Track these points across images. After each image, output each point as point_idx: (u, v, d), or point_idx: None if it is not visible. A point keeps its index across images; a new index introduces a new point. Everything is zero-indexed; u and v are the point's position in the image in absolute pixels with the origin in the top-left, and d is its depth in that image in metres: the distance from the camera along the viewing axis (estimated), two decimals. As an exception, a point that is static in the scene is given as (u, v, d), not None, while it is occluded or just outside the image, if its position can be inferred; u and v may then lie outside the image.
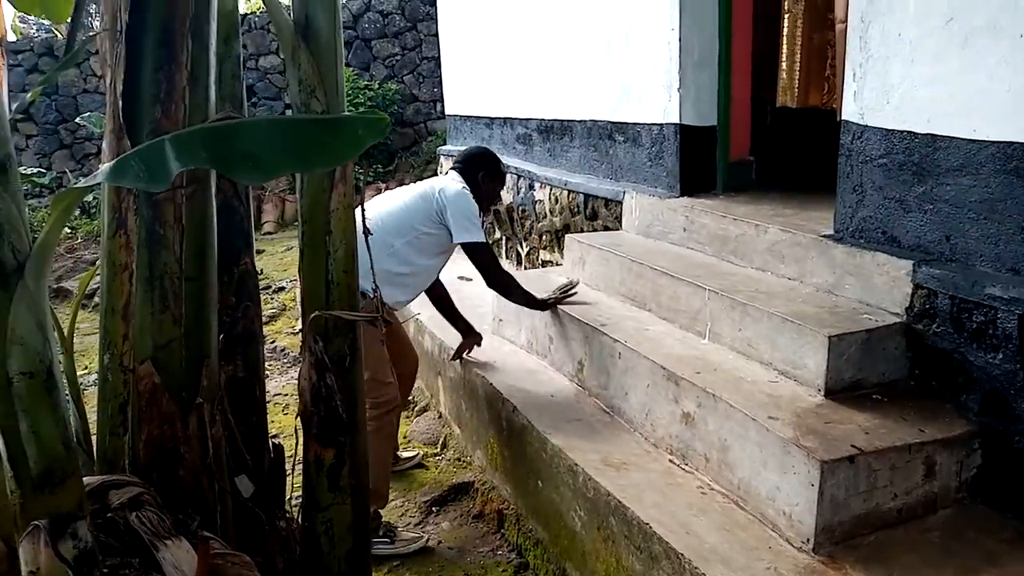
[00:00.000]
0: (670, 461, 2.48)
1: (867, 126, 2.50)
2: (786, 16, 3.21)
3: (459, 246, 3.09)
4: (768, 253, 2.92)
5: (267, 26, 10.25)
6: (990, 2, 2.08)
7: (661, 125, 3.64)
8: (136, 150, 1.05)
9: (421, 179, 9.80)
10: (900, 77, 2.36)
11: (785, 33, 3.23)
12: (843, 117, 2.59)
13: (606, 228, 4.13)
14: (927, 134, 2.30)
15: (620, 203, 3.96)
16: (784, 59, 3.27)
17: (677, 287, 2.94)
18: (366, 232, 1.78)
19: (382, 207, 3.10)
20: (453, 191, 3.07)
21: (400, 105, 10.16)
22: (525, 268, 5.24)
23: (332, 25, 1.56)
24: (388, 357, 2.90)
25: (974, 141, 2.16)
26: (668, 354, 2.65)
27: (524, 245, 5.29)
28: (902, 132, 2.38)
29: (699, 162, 3.59)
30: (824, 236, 2.70)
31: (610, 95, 4.05)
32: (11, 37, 9.39)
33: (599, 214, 4.21)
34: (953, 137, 2.22)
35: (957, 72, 2.18)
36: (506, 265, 5.63)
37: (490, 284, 3.18)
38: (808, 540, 1.95)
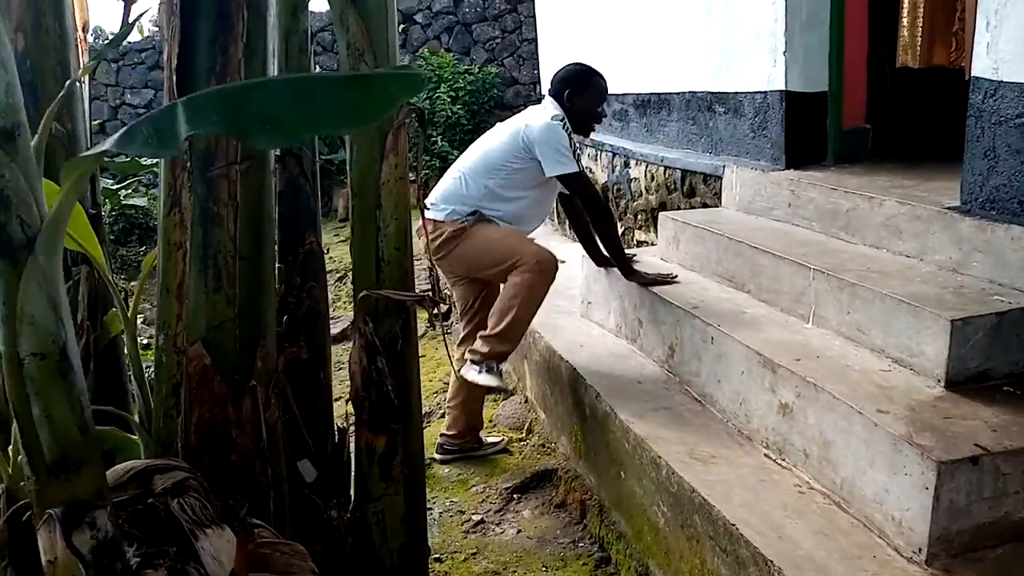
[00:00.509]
0: (765, 456, 2.27)
1: (1002, 82, 2.19)
2: (907, -36, 2.88)
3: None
4: (883, 228, 2.64)
5: None
6: None
7: (765, 93, 3.37)
8: (149, 115, 0.98)
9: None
10: (1042, 22, 2.04)
11: (906, -17, 2.90)
12: (973, 73, 2.28)
13: (704, 205, 3.89)
14: (1075, 86, 1.98)
15: (720, 178, 3.71)
16: (905, 13, 2.93)
17: (779, 266, 2.70)
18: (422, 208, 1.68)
19: (477, 149, 3.11)
20: (538, 126, 2.94)
21: (500, 88, 10.07)
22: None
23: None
24: (513, 235, 2.99)
25: None
26: (766, 340, 2.43)
27: (619, 225, 5.09)
28: (1044, 85, 2.06)
29: (807, 131, 3.30)
30: (949, 208, 2.40)
31: (710, 63, 3.79)
32: (135, 36, 9.93)
33: (697, 191, 3.97)
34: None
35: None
36: (602, 246, 5.43)
37: (592, 212, 3.07)
38: (920, 550, 1.72)
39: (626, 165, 4.87)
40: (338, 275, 6.88)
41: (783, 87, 3.24)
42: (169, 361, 1.54)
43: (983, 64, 2.24)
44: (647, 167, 4.52)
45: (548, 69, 6.72)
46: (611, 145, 5.02)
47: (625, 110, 4.94)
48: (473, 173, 3.01)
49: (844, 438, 1.97)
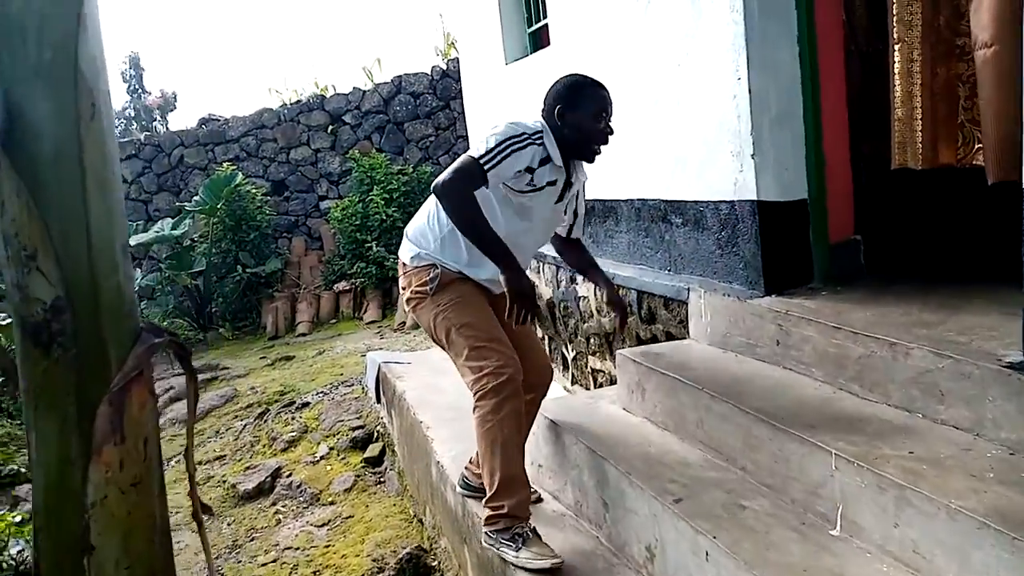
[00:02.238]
0: None
1: (1073, 197, 1.59)
2: (896, 47, 2.33)
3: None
4: (914, 386, 1.99)
5: (297, 118, 9.87)
6: None
7: (732, 203, 2.77)
8: None
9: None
10: None
11: (897, 70, 2.34)
12: (1027, 185, 1.69)
13: (668, 335, 3.24)
14: None
15: (684, 303, 3.07)
16: (899, 104, 2.37)
17: (783, 442, 2.02)
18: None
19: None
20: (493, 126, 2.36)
21: (436, 187, 9.53)
22: (573, 375, 4.36)
23: (74, 127, 0.76)
24: (492, 314, 2.42)
25: None
26: (782, 564, 1.72)
27: (570, 348, 4.41)
28: None
29: (787, 248, 2.69)
30: (1011, 365, 1.76)
31: (662, 168, 3.20)
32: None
33: (658, 316, 3.32)
34: None
35: None
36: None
37: (435, 185, 2.26)
38: None
39: (573, 280, 4.23)
40: (259, 410, 6.01)
41: (754, 196, 2.64)
42: None
43: (1041, 174, 1.65)
44: (597, 284, 3.87)
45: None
46: (554, 257, 4.39)
47: (567, 217, 4.33)
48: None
49: None
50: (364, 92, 9.88)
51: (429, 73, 9.81)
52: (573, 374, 4.34)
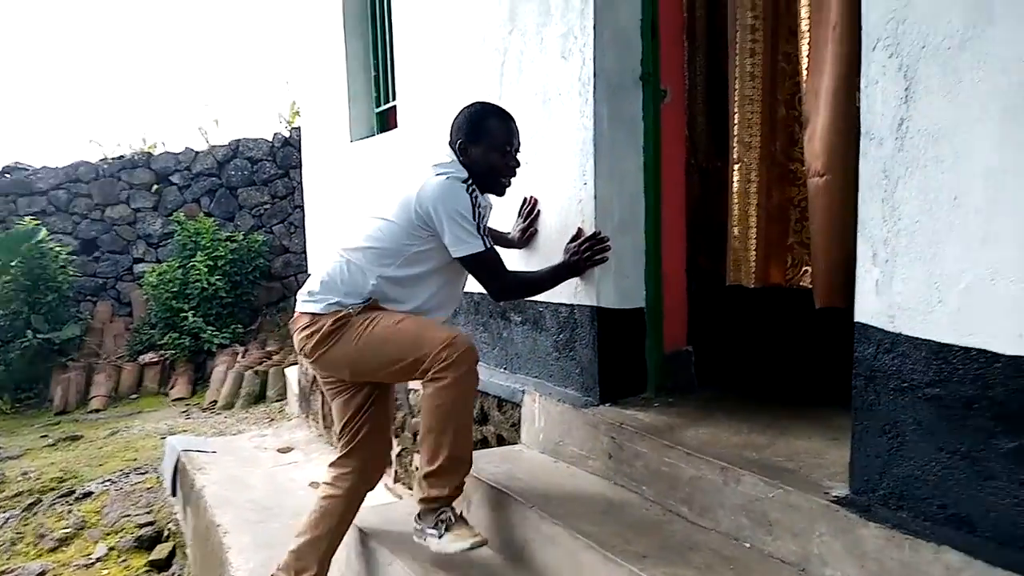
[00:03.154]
0: None
1: (901, 335, 1.60)
2: (736, 167, 2.38)
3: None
4: (744, 514, 1.92)
5: (119, 174, 9.10)
6: None
7: (572, 306, 2.69)
8: None
9: (287, 339, 8.60)
10: (962, 263, 1.48)
11: (736, 189, 2.39)
12: (859, 318, 1.69)
13: (500, 438, 3.07)
14: (1019, 357, 1.39)
15: (518, 405, 2.93)
16: (735, 223, 2.41)
17: (612, 572, 1.87)
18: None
19: (361, 230, 2.39)
20: (430, 189, 2.27)
21: (267, 257, 9.04)
22: (396, 473, 4.07)
23: None
24: (411, 320, 2.32)
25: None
26: None
27: (395, 442, 4.14)
28: (969, 351, 1.47)
29: (623, 356, 2.63)
30: (837, 500, 1.72)
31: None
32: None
33: (490, 417, 3.16)
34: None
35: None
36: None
37: (497, 298, 2.57)
38: None
39: (403, 372, 3.99)
40: (29, 499, 5.13)
41: (595, 302, 2.58)
42: None
43: (872, 307, 1.66)
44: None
45: (315, 240, 5.89)
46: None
47: (402, 304, 4.13)
48: (361, 261, 2.35)
49: None
50: (197, 153, 9.31)
51: (270, 140, 9.44)
52: (396, 471, 4.06)
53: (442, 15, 3.51)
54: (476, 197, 2.29)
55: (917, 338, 1.56)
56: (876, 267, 1.64)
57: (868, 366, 1.67)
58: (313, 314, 2.35)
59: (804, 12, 2.23)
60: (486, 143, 2.33)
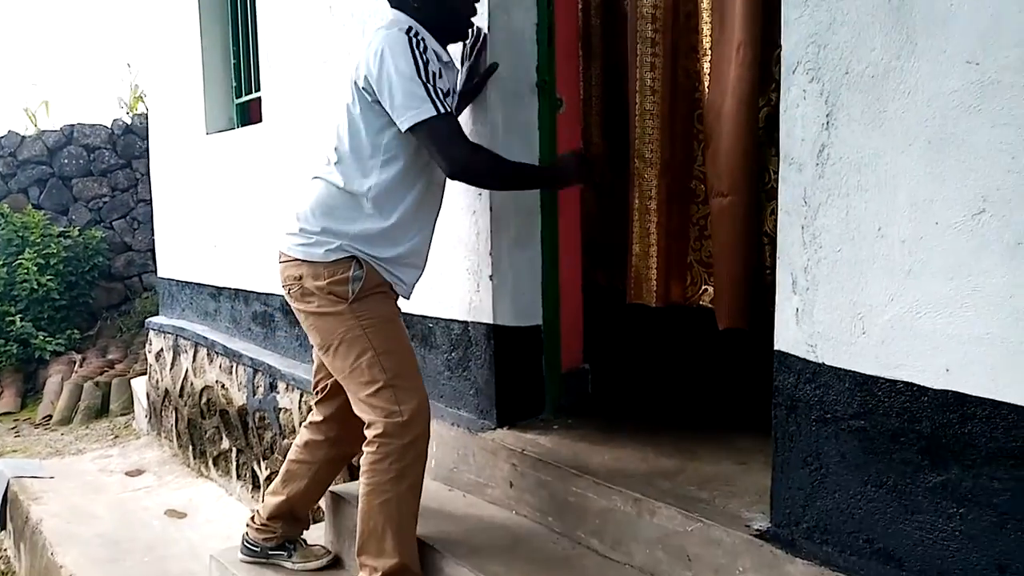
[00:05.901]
0: None
1: (823, 365, 1.57)
2: (636, 183, 2.32)
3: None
4: (660, 548, 1.85)
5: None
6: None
7: (466, 324, 2.54)
8: None
9: (131, 346, 7.90)
10: (887, 294, 1.46)
11: (636, 207, 2.32)
12: (779, 347, 1.65)
13: (386, 463, 2.88)
14: (947, 391, 1.39)
15: (406, 427, 2.74)
16: (636, 241, 2.35)
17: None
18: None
19: (330, 142, 2.04)
20: (367, 51, 1.91)
21: (107, 255, 8.27)
22: (264, 499, 3.77)
23: None
24: (409, 345, 2.12)
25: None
26: None
27: (263, 465, 3.84)
28: (895, 383, 1.45)
29: (521, 376, 2.51)
30: (759, 534, 1.68)
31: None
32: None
33: (374, 440, 2.95)
34: (1003, 403, 1.32)
35: (1005, 289, 1.31)
36: (236, 489, 4.10)
37: (453, 173, 1.98)
38: None
39: (272, 388, 3.71)
40: None
41: (490, 319, 2.44)
42: None
43: (793, 336, 1.62)
44: (303, 395, 3.42)
45: (166, 246, 5.41)
46: (251, 358, 3.84)
47: (271, 314, 3.83)
48: (344, 176, 1.99)
49: None
50: (24, 138, 8.36)
51: (110, 127, 8.62)
52: (264, 497, 3.75)
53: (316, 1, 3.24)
54: (424, 48, 1.89)
55: (840, 368, 1.54)
56: (796, 295, 1.60)
57: (789, 396, 1.63)
58: (306, 259, 2.01)
59: (706, 29, 2.19)
60: None
